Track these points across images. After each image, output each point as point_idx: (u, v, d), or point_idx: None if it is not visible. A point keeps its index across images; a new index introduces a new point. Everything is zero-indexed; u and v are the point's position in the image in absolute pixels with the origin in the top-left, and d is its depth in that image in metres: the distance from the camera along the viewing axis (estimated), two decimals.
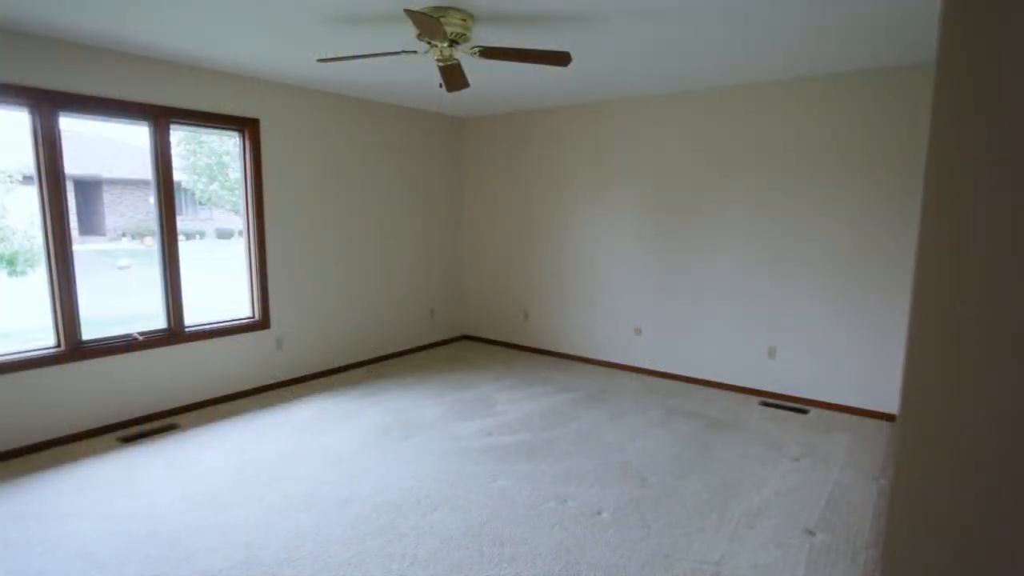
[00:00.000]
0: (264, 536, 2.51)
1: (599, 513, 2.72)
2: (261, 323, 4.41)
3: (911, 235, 3.73)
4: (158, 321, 3.91)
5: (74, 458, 3.27)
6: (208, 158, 4.65)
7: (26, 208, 3.38)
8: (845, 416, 4.01)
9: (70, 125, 3.38)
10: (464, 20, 2.72)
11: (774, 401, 4.30)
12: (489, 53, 2.81)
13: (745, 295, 4.42)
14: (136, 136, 3.77)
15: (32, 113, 3.22)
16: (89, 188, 6.59)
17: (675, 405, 4.21)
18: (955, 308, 0.98)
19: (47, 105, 3.23)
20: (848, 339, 4.03)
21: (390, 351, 5.49)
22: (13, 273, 3.61)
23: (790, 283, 4.22)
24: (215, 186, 4.82)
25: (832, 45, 3.24)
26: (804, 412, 4.09)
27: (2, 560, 2.34)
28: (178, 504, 2.77)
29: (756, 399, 4.35)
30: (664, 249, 4.79)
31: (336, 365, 5.00)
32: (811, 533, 2.57)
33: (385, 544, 2.46)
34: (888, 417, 3.93)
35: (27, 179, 3.32)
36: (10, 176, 3.49)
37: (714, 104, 4.41)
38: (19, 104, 3.17)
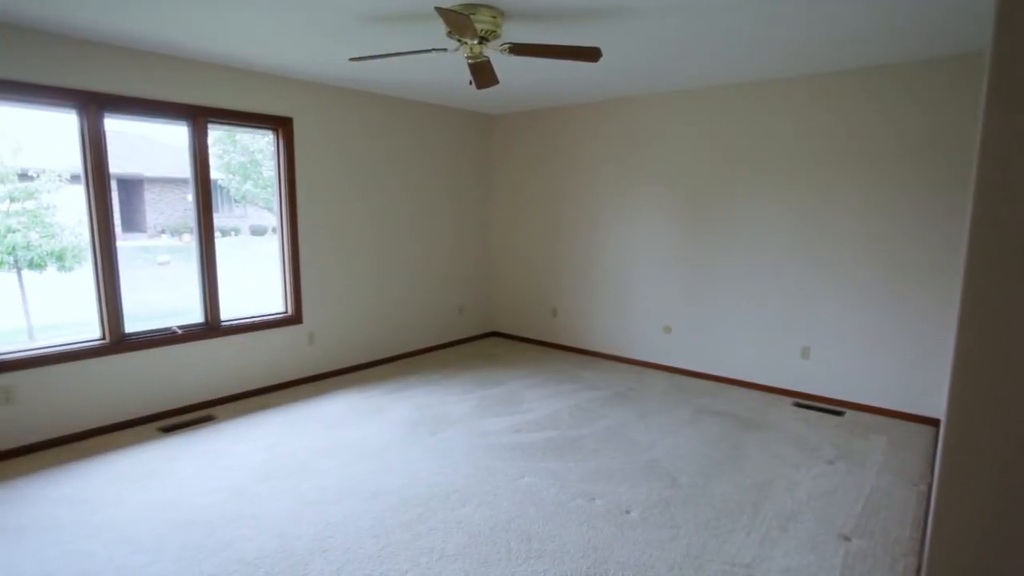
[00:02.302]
0: (296, 527, 2.57)
1: (627, 512, 2.70)
2: (294, 318, 4.51)
3: (952, 234, 3.60)
4: (195, 315, 4.02)
5: (118, 446, 3.39)
6: (241, 156, 4.77)
7: (74, 206, 3.52)
8: (882, 418, 3.90)
9: (114, 126, 3.50)
10: (494, 17, 2.72)
11: (807, 402, 4.20)
12: (519, 50, 2.81)
13: (777, 294, 4.33)
14: (174, 136, 3.89)
15: (79, 115, 3.35)
16: (131, 186, 6.82)
17: (705, 404, 4.15)
18: (1006, 312, 0.94)
19: (93, 107, 3.36)
20: (885, 339, 3.91)
21: (419, 347, 5.55)
22: (62, 268, 3.76)
23: (824, 282, 4.11)
24: (248, 184, 4.93)
25: (869, 38, 3.13)
26: (839, 414, 3.99)
27: (54, 541, 2.45)
28: (214, 494, 2.86)
29: (789, 400, 4.26)
30: (694, 246, 4.72)
31: (366, 360, 5.07)
32: (846, 538, 2.51)
33: (414, 537, 2.49)
34: (928, 420, 3.80)
35: (75, 178, 3.46)
36: (59, 176, 3.64)
37: (745, 99, 4.32)
38: (68, 106, 3.30)
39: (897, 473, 3.11)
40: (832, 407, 4.10)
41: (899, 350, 3.87)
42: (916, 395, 3.84)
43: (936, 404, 3.77)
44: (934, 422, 3.78)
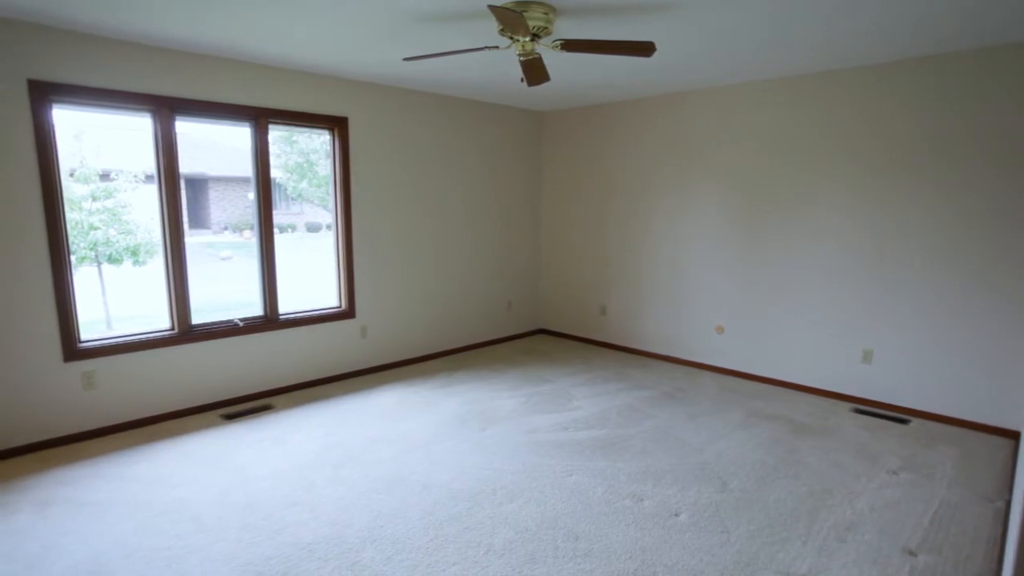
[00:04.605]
0: (348, 515, 2.65)
1: (676, 515, 2.65)
2: (347, 313, 4.64)
3: None
4: (255, 309, 4.20)
5: (185, 431, 3.59)
6: (298, 156, 4.93)
7: (147, 204, 3.74)
8: (952, 429, 3.68)
9: (182, 128, 3.69)
10: (546, 13, 2.72)
11: (869, 408, 4.00)
12: (571, 46, 2.79)
13: (837, 294, 4.14)
14: (235, 137, 4.06)
15: (153, 118, 3.55)
16: (197, 185, 7.18)
17: (758, 407, 4.02)
18: None
19: (166, 110, 3.55)
20: (956, 343, 3.68)
21: (468, 343, 5.61)
22: (136, 263, 4.01)
23: (888, 281, 3.90)
24: (304, 183, 5.10)
25: (941, 24, 2.95)
26: (904, 422, 3.78)
27: (129, 517, 2.62)
28: (272, 479, 2.98)
29: (848, 405, 4.07)
30: (749, 244, 4.57)
31: (416, 355, 5.18)
32: (912, 553, 2.38)
33: (462, 531, 2.52)
34: (1005, 432, 3.56)
35: (148, 178, 3.67)
36: (135, 176, 3.88)
37: (805, 92, 4.14)
38: (143, 110, 3.50)
39: (969, 487, 2.93)
40: (896, 415, 3.90)
41: (972, 355, 3.64)
42: (992, 405, 3.60)
43: (1015, 415, 3.52)
44: (1012, 434, 3.53)
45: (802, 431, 3.62)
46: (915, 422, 3.78)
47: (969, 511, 2.71)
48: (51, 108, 3.18)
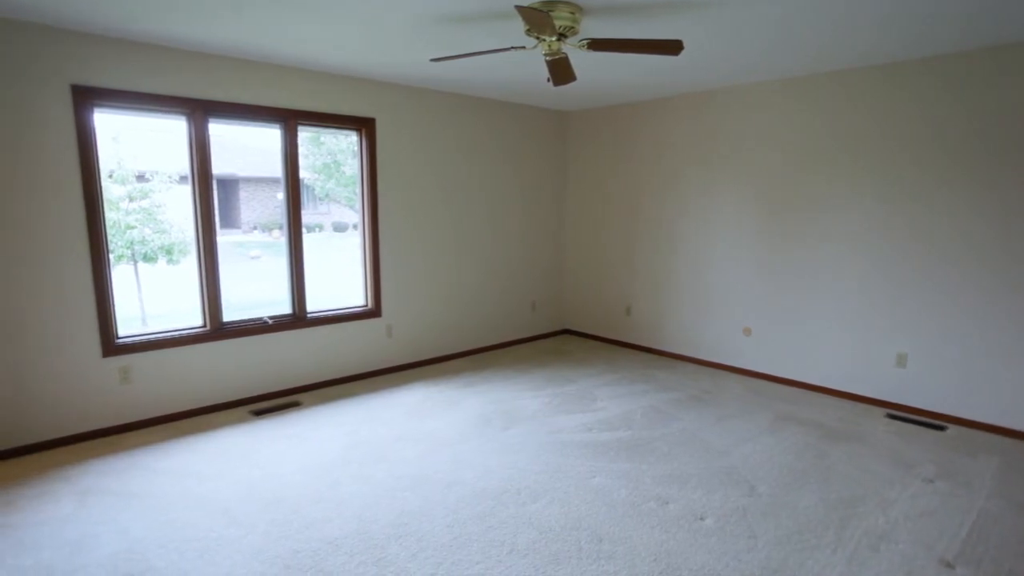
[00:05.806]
0: (373, 512, 2.68)
1: (702, 519, 2.62)
2: (373, 312, 4.69)
3: None
4: (284, 307, 4.28)
5: (216, 426, 3.68)
6: (326, 157, 5.02)
7: (180, 204, 3.84)
8: (994, 437, 3.55)
9: (214, 130, 3.77)
10: (573, 13, 2.71)
11: (903, 414, 3.89)
12: (598, 45, 2.77)
13: (869, 296, 4.03)
14: (263, 139, 4.14)
15: (188, 120, 3.64)
16: (228, 186, 7.36)
17: (786, 411, 3.95)
18: None
19: (200, 112, 3.64)
20: (996, 347, 3.55)
21: (492, 342, 5.63)
22: (170, 262, 4.13)
23: (925, 283, 3.79)
24: (331, 183, 5.19)
25: (984, 13, 2.85)
26: (940, 429, 3.67)
27: (162, 509, 2.69)
28: (299, 475, 3.03)
29: (881, 410, 3.96)
30: (777, 245, 4.49)
31: (441, 354, 5.21)
32: (949, 565, 2.31)
33: (486, 530, 2.53)
34: None
35: (182, 179, 3.77)
36: (169, 177, 3.99)
37: (832, 91, 4.04)
38: (179, 113, 3.60)
39: (1010, 498, 2.83)
40: (932, 421, 3.78)
41: (1013, 360, 3.50)
42: None
43: None
44: None
45: (832, 436, 3.54)
46: (952, 429, 3.66)
47: (1009, 523, 2.61)
48: (93, 112, 3.29)
